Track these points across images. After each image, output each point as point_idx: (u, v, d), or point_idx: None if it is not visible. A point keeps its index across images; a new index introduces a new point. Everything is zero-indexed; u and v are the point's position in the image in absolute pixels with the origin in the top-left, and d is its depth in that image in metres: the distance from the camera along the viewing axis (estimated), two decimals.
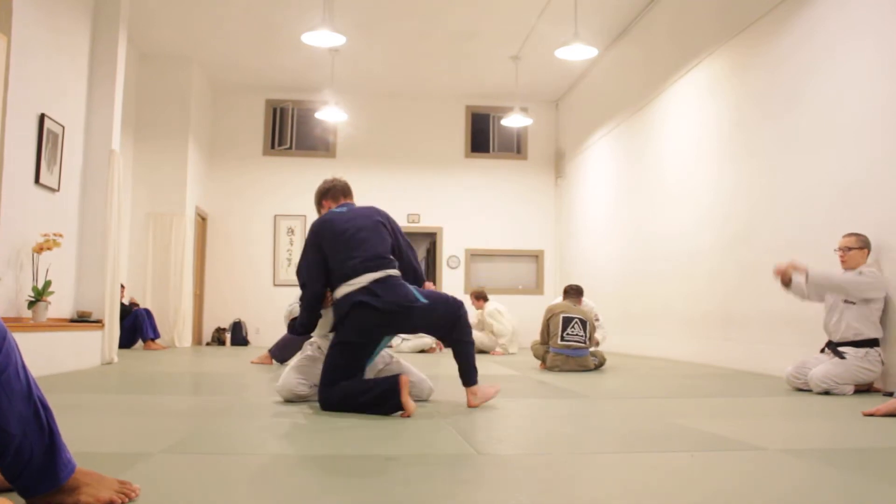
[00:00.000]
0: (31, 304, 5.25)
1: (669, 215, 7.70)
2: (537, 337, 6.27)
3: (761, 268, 5.68)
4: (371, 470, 2.05)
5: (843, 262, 4.41)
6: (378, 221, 3.53)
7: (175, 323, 9.29)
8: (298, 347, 5.32)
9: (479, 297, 9.22)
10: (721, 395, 4.28)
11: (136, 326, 8.38)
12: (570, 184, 11.23)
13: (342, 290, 3.34)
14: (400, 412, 3.06)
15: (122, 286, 7.77)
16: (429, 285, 3.65)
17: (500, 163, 11.78)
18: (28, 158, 5.37)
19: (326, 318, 3.51)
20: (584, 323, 6.01)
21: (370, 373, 3.53)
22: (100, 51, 6.51)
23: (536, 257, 11.79)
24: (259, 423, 2.96)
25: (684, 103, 7.50)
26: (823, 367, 4.25)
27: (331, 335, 3.49)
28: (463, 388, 3.43)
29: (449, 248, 11.59)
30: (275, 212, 11.30)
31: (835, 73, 5.09)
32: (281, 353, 6.49)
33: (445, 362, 6.49)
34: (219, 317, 10.93)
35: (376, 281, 3.31)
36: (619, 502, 1.75)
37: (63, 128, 5.87)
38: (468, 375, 3.40)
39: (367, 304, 3.25)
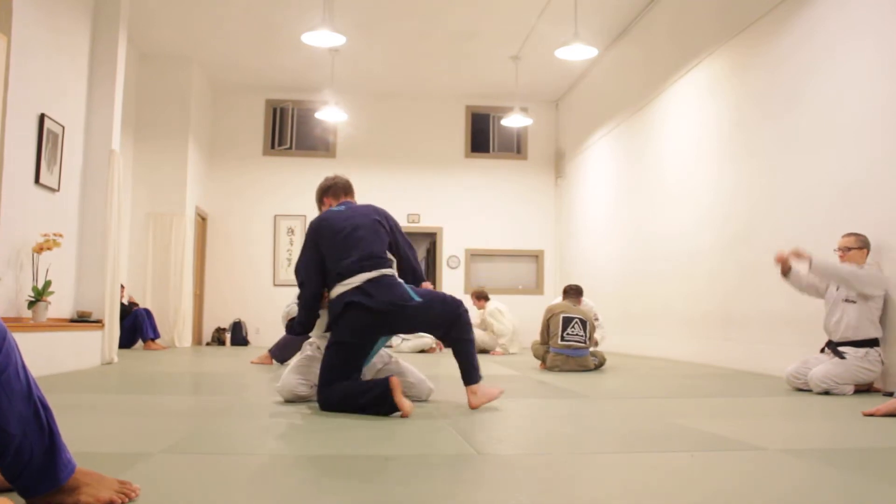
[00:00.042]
0: (31, 304, 5.25)
1: (669, 215, 7.70)
2: (537, 337, 6.27)
3: (761, 268, 5.68)
4: (371, 470, 2.05)
5: (842, 262, 4.41)
6: (376, 220, 3.51)
7: (175, 323, 9.29)
8: (298, 347, 5.32)
9: (481, 296, 9.23)
10: (721, 395, 4.28)
11: (136, 326, 8.38)
12: (570, 184, 11.23)
13: (337, 290, 3.34)
14: (398, 413, 3.05)
15: (122, 286, 7.77)
16: (427, 285, 3.61)
17: (500, 163, 11.78)
18: (28, 158, 5.37)
19: (324, 317, 3.51)
20: (584, 323, 6.01)
21: (369, 373, 3.53)
22: (100, 51, 6.51)
23: (536, 257, 11.79)
24: (259, 423, 2.96)
25: (684, 103, 7.50)
26: (823, 367, 4.25)
27: (328, 335, 3.49)
28: (464, 389, 3.37)
29: (449, 248, 11.59)
30: (275, 212, 11.30)
31: (835, 73, 5.09)
32: (281, 353, 6.49)
33: (445, 362, 6.49)
34: (219, 317, 10.93)
35: (370, 280, 3.30)
36: (619, 502, 1.75)
37: (63, 128, 5.87)
38: (468, 374, 3.34)
39: (359, 304, 3.24)
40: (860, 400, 3.90)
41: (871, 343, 4.25)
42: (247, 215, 11.25)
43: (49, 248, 5.37)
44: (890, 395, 3.87)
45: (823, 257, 4.39)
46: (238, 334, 10.74)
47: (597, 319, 7.01)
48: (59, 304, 5.79)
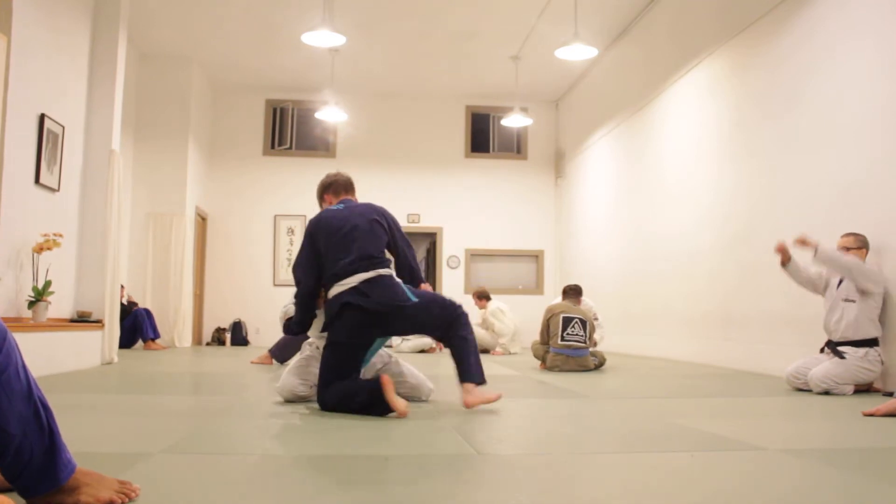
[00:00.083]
0: (31, 304, 5.25)
1: (669, 215, 7.70)
2: (537, 337, 6.27)
3: (761, 268, 5.68)
4: (371, 470, 2.05)
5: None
6: (374, 219, 3.49)
7: (175, 323, 9.29)
8: (298, 347, 5.30)
9: (482, 296, 9.24)
10: (721, 395, 4.28)
11: (136, 326, 8.38)
12: (570, 184, 11.23)
13: (334, 290, 3.33)
14: (394, 413, 3.01)
15: (122, 286, 7.77)
16: (425, 287, 3.57)
17: (500, 163, 11.78)
18: (28, 158, 5.37)
19: (321, 317, 3.50)
20: (584, 323, 6.01)
21: (369, 373, 3.51)
22: (100, 51, 6.51)
23: (536, 257, 11.79)
24: (259, 423, 2.96)
25: (684, 103, 7.50)
26: (823, 367, 4.25)
27: (325, 335, 3.48)
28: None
29: (449, 248, 11.59)
30: (275, 212, 11.31)
31: (835, 73, 5.09)
32: (281, 353, 6.49)
33: (445, 362, 6.48)
34: (219, 317, 10.93)
35: (366, 281, 3.28)
36: (619, 502, 1.75)
37: (63, 128, 5.87)
38: (465, 372, 3.24)
39: (355, 305, 3.22)
40: (860, 400, 3.90)
41: (871, 343, 4.25)
42: (247, 215, 11.25)
43: (49, 248, 5.37)
44: (890, 395, 3.87)
45: (830, 246, 4.38)
46: (238, 334, 10.74)
47: (596, 319, 7.01)
48: (59, 304, 5.79)
